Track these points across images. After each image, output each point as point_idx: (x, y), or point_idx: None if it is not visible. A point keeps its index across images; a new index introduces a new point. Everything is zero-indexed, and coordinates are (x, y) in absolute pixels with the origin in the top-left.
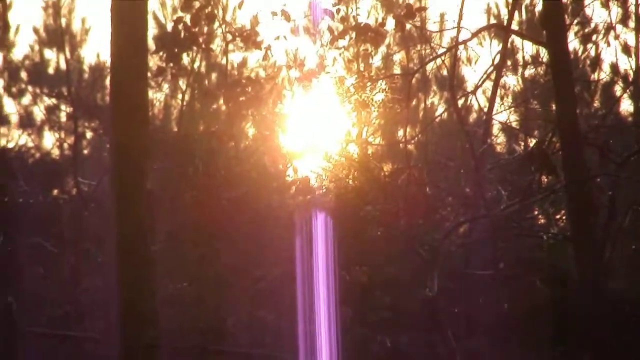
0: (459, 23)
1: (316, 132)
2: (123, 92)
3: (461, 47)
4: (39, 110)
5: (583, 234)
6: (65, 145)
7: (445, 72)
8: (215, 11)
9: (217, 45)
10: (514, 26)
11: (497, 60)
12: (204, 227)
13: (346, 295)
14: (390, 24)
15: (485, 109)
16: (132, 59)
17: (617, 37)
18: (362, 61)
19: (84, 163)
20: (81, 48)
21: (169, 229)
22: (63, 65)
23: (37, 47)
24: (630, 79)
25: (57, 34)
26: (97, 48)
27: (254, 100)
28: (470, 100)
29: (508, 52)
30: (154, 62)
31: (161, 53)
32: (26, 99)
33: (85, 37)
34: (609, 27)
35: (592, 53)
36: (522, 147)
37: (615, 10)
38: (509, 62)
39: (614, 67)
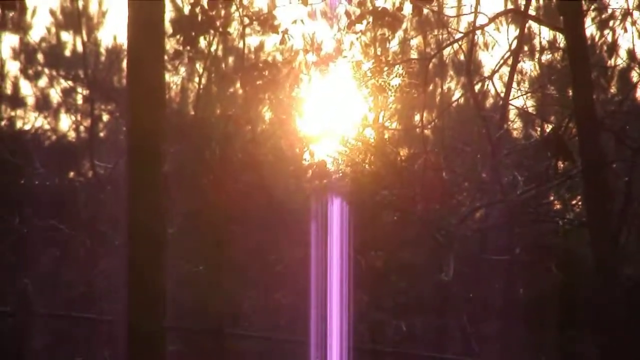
0: (476, 8)
1: (333, 116)
2: (140, 75)
3: (478, 32)
4: (56, 92)
5: (599, 220)
6: (82, 128)
7: (462, 57)
8: None
9: (234, 28)
10: (531, 11)
11: (514, 46)
12: (220, 211)
13: (362, 280)
14: (408, 8)
15: (502, 94)
16: (149, 41)
17: (634, 23)
18: (380, 46)
19: (100, 146)
20: (98, 30)
21: (186, 212)
22: (80, 48)
23: (53, 30)
24: None
25: (74, 16)
26: (114, 30)
27: (270, 84)
28: (487, 86)
29: (525, 38)
30: (170, 45)
31: (178, 36)
32: (43, 82)
33: (102, 19)
34: (626, 13)
35: (609, 39)
36: (539, 133)
37: None
38: (525, 48)
39: (631, 53)
